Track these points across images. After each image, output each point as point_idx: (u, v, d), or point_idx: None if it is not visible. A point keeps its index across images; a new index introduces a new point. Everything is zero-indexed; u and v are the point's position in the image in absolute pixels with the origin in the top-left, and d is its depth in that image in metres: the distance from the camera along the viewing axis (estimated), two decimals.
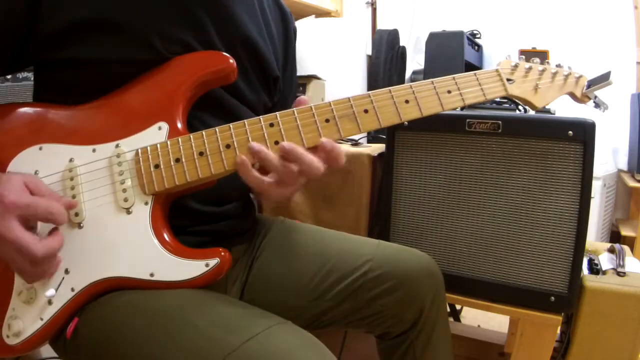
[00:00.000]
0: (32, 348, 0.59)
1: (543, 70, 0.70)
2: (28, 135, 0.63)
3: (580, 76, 0.73)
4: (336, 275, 0.77)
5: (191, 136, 0.62)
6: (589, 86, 0.72)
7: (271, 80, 0.80)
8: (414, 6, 2.29)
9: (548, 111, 1.14)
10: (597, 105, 0.74)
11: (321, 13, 2.09)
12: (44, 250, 0.54)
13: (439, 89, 0.65)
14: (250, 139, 0.61)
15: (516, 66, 0.69)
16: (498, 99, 1.12)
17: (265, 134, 0.61)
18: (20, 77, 1.53)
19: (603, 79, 0.71)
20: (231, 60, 0.65)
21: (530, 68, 0.70)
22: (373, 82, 1.68)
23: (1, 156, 0.62)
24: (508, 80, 0.69)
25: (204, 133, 0.62)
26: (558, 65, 0.72)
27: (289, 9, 0.87)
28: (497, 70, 0.69)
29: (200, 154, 0.61)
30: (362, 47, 1.69)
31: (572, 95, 0.73)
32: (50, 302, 0.59)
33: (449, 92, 0.66)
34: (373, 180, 1.15)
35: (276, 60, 0.80)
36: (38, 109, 0.65)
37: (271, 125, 0.62)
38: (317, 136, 0.62)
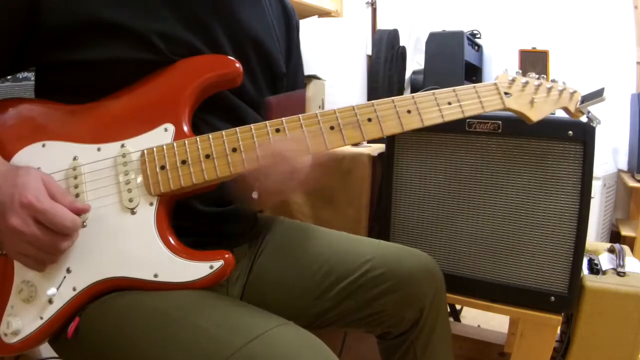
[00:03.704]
0: (30, 347, 0.59)
1: (539, 85, 0.73)
2: (31, 132, 0.63)
3: (575, 92, 0.75)
4: (336, 275, 0.77)
5: (198, 138, 0.62)
6: (582, 101, 0.74)
7: (278, 77, 0.80)
8: (414, 6, 2.29)
9: None
10: (590, 120, 0.77)
11: (321, 13, 2.08)
12: (72, 220, 0.55)
13: (440, 100, 0.68)
14: (256, 143, 0.62)
15: (513, 80, 0.72)
16: None
17: (272, 139, 0.62)
18: (20, 77, 1.53)
19: (596, 95, 0.73)
20: (237, 65, 0.65)
21: (527, 82, 0.72)
22: (373, 82, 1.68)
23: (3, 152, 0.62)
24: (506, 94, 0.71)
25: (210, 136, 0.62)
26: (553, 80, 0.74)
27: (290, 3, 0.87)
28: (495, 84, 0.71)
29: (207, 156, 0.62)
30: (362, 47, 1.69)
31: (566, 110, 0.76)
32: (50, 301, 0.59)
33: (449, 103, 0.68)
34: (373, 180, 1.15)
35: (281, 56, 0.80)
36: (42, 105, 0.65)
37: (277, 130, 0.63)
38: (322, 142, 0.63)
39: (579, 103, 0.74)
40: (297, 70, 0.89)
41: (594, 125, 0.77)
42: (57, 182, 0.59)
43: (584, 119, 0.77)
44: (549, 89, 0.73)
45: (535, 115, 0.72)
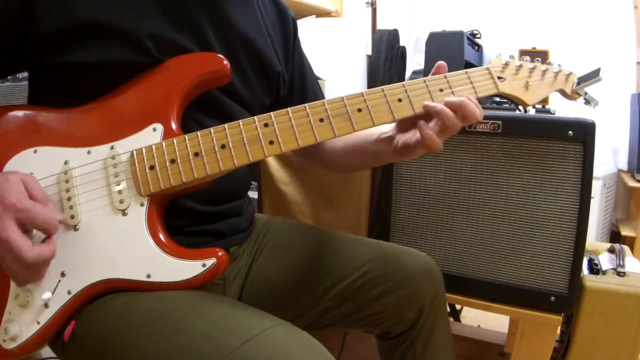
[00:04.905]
0: (29, 352, 0.59)
1: (533, 68, 0.71)
2: (23, 138, 0.63)
3: (570, 73, 0.73)
4: (336, 276, 0.77)
5: (186, 137, 0.62)
6: (578, 83, 0.72)
7: (273, 77, 0.79)
8: (414, 6, 2.29)
9: (548, 111, 1.14)
10: (587, 101, 0.74)
11: (321, 13, 2.08)
12: (34, 256, 0.54)
13: (431, 87, 0.66)
14: (245, 139, 0.61)
15: (507, 64, 0.70)
16: (498, 99, 1.13)
17: (260, 134, 0.62)
18: (20, 77, 1.53)
19: (593, 76, 0.71)
20: (225, 62, 0.65)
21: (520, 66, 0.70)
22: (373, 82, 1.68)
23: None
24: (499, 78, 0.69)
25: (198, 134, 0.62)
26: (548, 63, 0.72)
27: (284, 3, 0.87)
28: (488, 69, 0.69)
29: (196, 154, 0.61)
30: (362, 47, 1.69)
31: (562, 92, 0.73)
32: (46, 306, 0.58)
33: (441, 90, 0.66)
34: (373, 180, 1.15)
35: (276, 55, 0.80)
36: (32, 111, 0.65)
37: (265, 125, 0.62)
38: (312, 136, 0.62)
39: (575, 85, 0.72)
40: (302, 70, 0.88)
41: (592, 106, 0.74)
42: (38, 183, 0.59)
43: (580, 100, 0.74)
44: (544, 72, 0.71)
45: (530, 99, 0.70)
